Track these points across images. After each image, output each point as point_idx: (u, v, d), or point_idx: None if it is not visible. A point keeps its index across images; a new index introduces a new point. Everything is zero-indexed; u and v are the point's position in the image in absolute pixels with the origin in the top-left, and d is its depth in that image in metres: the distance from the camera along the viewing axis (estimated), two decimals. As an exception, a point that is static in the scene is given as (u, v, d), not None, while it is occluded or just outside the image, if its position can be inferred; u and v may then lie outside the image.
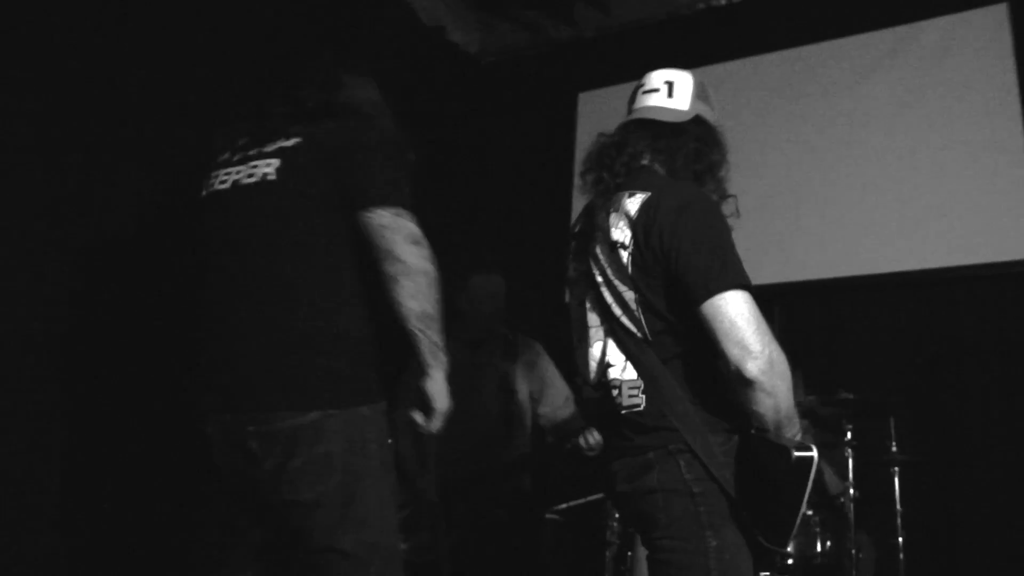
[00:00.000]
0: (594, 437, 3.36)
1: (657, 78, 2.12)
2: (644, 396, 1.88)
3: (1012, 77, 4.42)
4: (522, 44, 5.98)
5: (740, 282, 1.78)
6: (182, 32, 3.59)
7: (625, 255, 1.91)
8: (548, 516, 3.79)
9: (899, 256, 4.50)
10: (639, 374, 1.89)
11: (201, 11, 3.71)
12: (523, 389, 3.75)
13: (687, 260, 1.80)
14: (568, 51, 5.87)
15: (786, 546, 1.76)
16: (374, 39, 5.17)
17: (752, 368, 1.72)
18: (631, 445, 1.90)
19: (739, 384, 1.75)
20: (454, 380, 3.67)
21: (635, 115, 2.11)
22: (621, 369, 1.92)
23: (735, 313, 1.75)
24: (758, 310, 1.78)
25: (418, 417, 2.11)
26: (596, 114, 5.43)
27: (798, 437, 1.81)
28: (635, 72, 2.22)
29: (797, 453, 1.69)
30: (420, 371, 2.09)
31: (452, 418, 3.61)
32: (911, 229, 4.49)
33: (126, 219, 3.15)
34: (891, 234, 4.53)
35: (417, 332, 2.01)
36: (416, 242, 2.04)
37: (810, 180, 4.82)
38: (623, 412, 1.90)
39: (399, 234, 2.03)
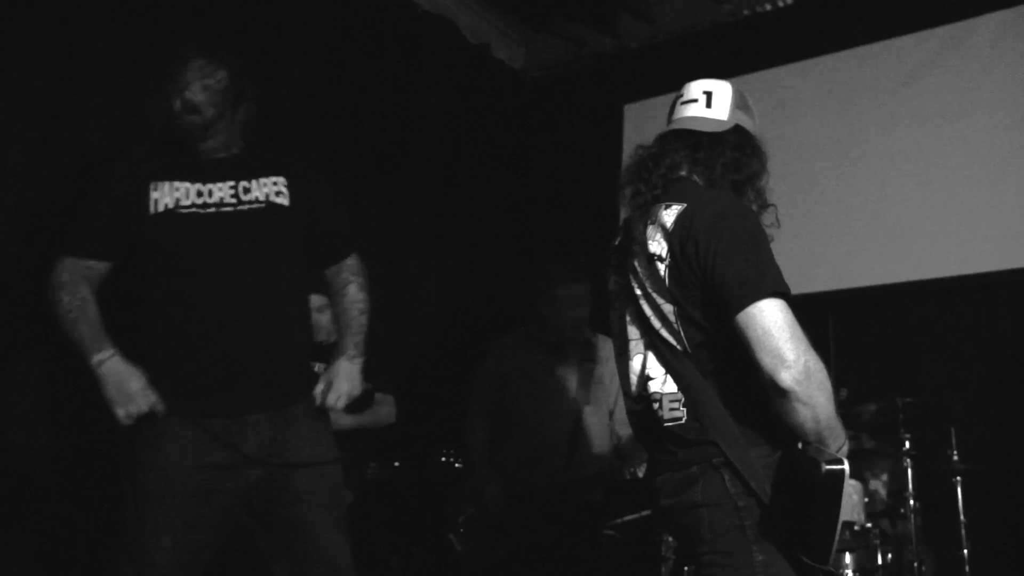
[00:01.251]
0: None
1: (695, 88, 2.10)
2: (685, 409, 1.85)
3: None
4: (567, 58, 5.99)
5: (775, 290, 1.74)
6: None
7: (663, 268, 1.89)
8: (604, 532, 3.77)
9: (956, 260, 4.41)
10: (679, 387, 1.87)
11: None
12: (600, 397, 3.70)
13: (722, 270, 1.77)
14: (613, 63, 5.86)
15: (827, 563, 1.72)
16: (421, 61, 5.23)
17: (786, 378, 1.68)
18: (674, 460, 1.88)
19: (774, 394, 1.72)
20: (532, 387, 3.67)
21: (673, 126, 2.09)
22: (661, 382, 1.90)
23: (769, 322, 1.71)
24: (793, 319, 1.73)
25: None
26: (642, 126, 5.41)
27: (844, 449, 1.77)
28: (680, 82, 2.21)
29: (827, 467, 1.66)
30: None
31: (527, 428, 3.63)
32: (968, 232, 4.40)
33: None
34: (947, 237, 4.44)
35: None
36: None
37: (862, 185, 4.74)
38: (665, 425, 1.89)
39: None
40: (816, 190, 4.77)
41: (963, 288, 4.42)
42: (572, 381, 3.69)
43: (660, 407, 1.90)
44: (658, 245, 1.91)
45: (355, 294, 2.61)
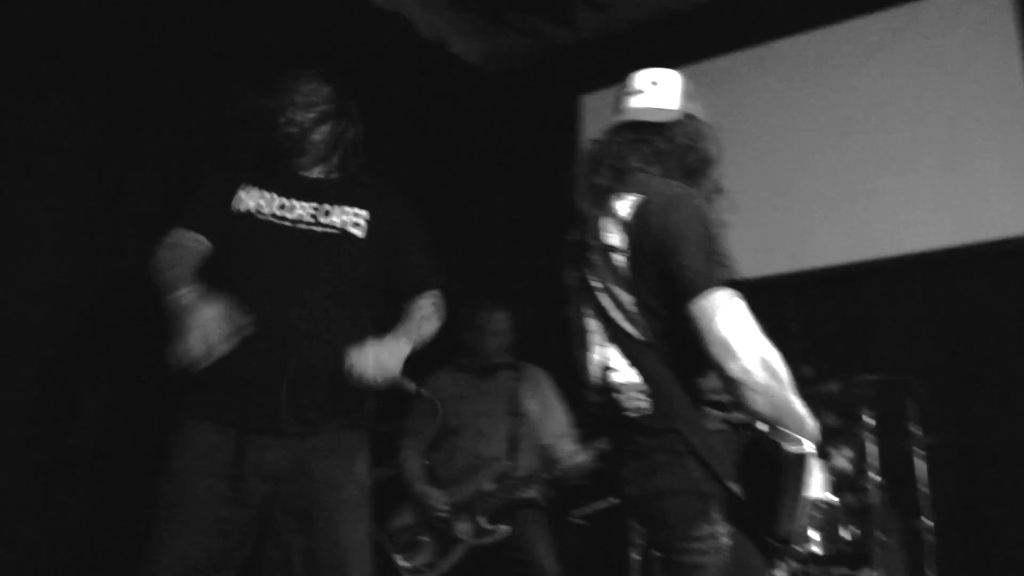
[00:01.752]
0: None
1: (643, 78, 2.12)
2: (648, 399, 1.88)
3: (1015, 48, 4.40)
4: (523, 51, 6.00)
5: (724, 280, 1.78)
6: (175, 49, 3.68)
7: (619, 259, 1.92)
8: (573, 520, 3.81)
9: (912, 237, 4.47)
10: (642, 377, 1.89)
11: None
12: (531, 408, 3.83)
13: (675, 261, 1.80)
14: (569, 55, 5.88)
15: (792, 543, 1.75)
16: (377, 58, 5.21)
17: (734, 368, 1.72)
18: (638, 449, 1.91)
19: (725, 384, 1.75)
20: (464, 406, 3.77)
21: (623, 117, 2.11)
22: (623, 373, 1.92)
23: (718, 312, 1.74)
24: (744, 308, 1.76)
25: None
26: (600, 116, 5.40)
27: (812, 432, 1.80)
28: (637, 71, 2.22)
29: (789, 449, 1.69)
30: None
31: (463, 440, 3.70)
32: (923, 209, 4.47)
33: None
34: (903, 216, 4.51)
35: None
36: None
37: (817, 168, 4.80)
38: (628, 416, 1.91)
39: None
40: (772, 174, 4.83)
41: (919, 265, 4.48)
42: (504, 397, 3.83)
43: (622, 398, 1.92)
44: (614, 236, 1.94)
45: (425, 307, 2.59)
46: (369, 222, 2.55)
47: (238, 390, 2.33)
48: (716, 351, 1.73)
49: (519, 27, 5.86)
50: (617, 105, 2.16)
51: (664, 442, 1.85)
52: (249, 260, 2.46)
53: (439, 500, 3.60)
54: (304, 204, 2.53)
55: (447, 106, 5.71)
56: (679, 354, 1.87)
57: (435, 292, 2.65)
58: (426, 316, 2.56)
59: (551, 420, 3.82)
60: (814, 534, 3.40)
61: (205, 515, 2.25)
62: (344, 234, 2.50)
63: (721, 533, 1.80)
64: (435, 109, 5.59)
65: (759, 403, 1.74)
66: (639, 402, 1.89)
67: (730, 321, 1.73)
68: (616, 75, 5.23)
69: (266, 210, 2.51)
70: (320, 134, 2.59)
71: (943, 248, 4.40)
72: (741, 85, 5.07)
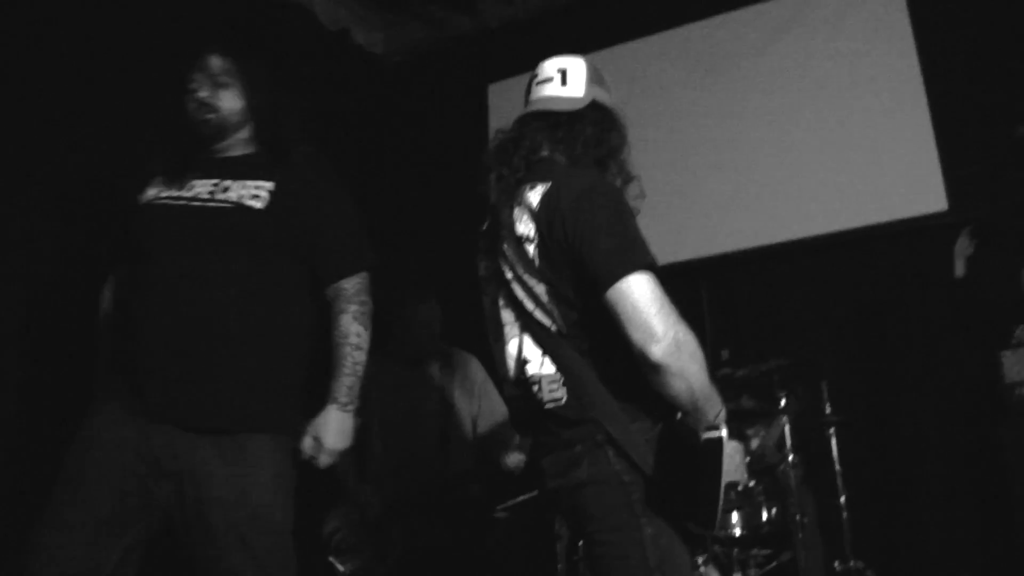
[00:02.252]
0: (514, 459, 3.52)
1: (550, 67, 2.09)
2: (565, 389, 1.85)
3: (908, 32, 4.51)
4: (428, 40, 5.92)
5: (641, 264, 1.75)
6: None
7: (531, 248, 1.89)
8: (497, 515, 3.77)
9: (818, 220, 4.56)
10: (557, 368, 1.87)
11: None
12: (463, 404, 3.75)
13: (589, 248, 1.77)
14: (474, 43, 5.83)
15: (714, 528, 1.75)
16: (276, 47, 5.07)
17: (656, 351, 1.70)
18: (557, 440, 1.88)
19: (647, 369, 1.73)
20: (395, 399, 3.69)
21: (531, 107, 2.08)
22: (539, 364, 1.89)
23: (636, 297, 1.72)
24: (662, 292, 1.75)
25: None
26: (507, 105, 5.39)
27: (722, 414, 1.79)
28: (542, 59, 2.19)
29: (705, 435, 1.69)
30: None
31: (394, 436, 3.63)
32: (825, 193, 4.55)
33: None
34: (808, 198, 4.59)
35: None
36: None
37: (722, 153, 4.85)
38: (546, 407, 1.88)
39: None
40: (681, 159, 4.86)
41: (826, 246, 4.58)
42: (435, 390, 3.75)
43: (540, 389, 1.89)
44: (525, 226, 1.91)
45: (347, 326, 2.33)
46: (273, 193, 2.31)
47: (136, 377, 2.17)
48: (638, 336, 1.71)
49: (422, 16, 5.78)
50: (526, 94, 2.13)
51: (583, 432, 1.83)
52: (144, 245, 2.29)
53: (372, 501, 3.51)
54: (204, 182, 2.35)
55: (352, 97, 5.61)
56: (594, 343, 1.85)
57: (360, 276, 2.40)
58: (356, 345, 2.32)
59: (486, 409, 3.75)
60: (733, 517, 3.47)
61: (98, 499, 2.07)
62: (238, 207, 2.28)
63: (643, 523, 1.78)
64: (339, 101, 5.48)
65: (679, 388, 1.73)
66: (555, 393, 1.86)
67: (651, 306, 1.72)
68: (521, 63, 5.23)
69: (164, 194, 2.34)
70: (230, 110, 2.39)
71: (847, 229, 4.49)
72: (645, 72, 5.08)
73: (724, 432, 1.70)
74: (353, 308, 2.35)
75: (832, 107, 4.64)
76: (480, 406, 3.75)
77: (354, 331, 2.33)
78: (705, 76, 5.00)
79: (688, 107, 5.00)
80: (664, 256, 4.84)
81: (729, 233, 4.74)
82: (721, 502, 1.71)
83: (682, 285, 4.63)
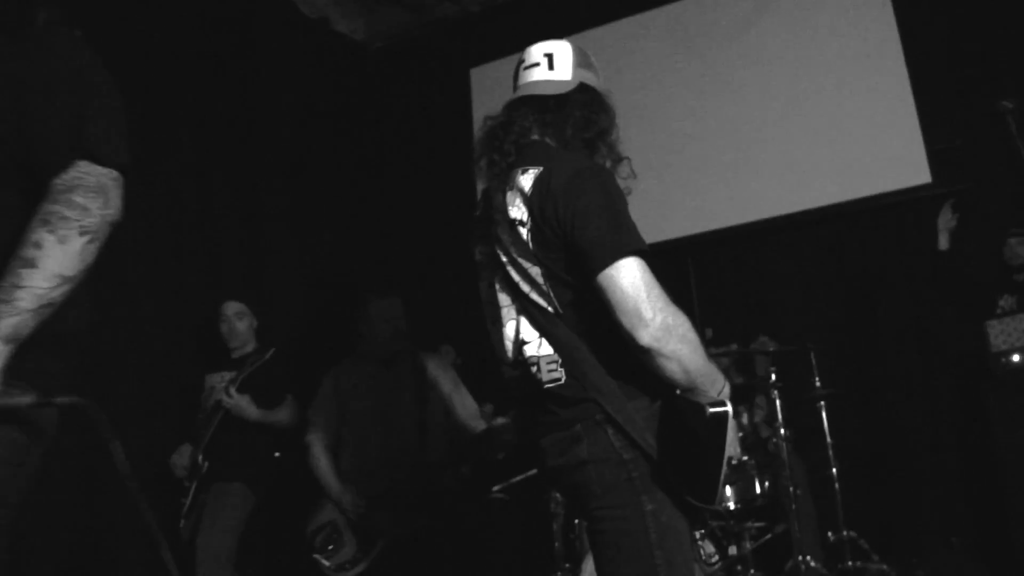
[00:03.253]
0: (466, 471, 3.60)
1: (536, 52, 2.08)
2: (563, 369, 1.87)
3: (889, 9, 4.54)
4: (409, 26, 5.91)
5: (631, 249, 1.76)
6: None
7: (525, 232, 1.89)
8: (493, 495, 3.80)
9: (802, 196, 4.59)
10: (555, 348, 1.88)
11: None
12: (435, 396, 3.81)
13: (581, 231, 1.79)
14: (455, 28, 5.82)
15: (714, 503, 1.76)
16: (259, 39, 5.06)
17: (645, 336, 1.71)
18: (557, 420, 1.89)
19: (638, 352, 1.74)
20: (367, 397, 3.72)
21: (519, 92, 2.07)
22: (537, 345, 1.91)
23: (626, 282, 1.73)
24: (651, 276, 1.76)
25: None
26: (489, 88, 5.41)
27: (725, 390, 1.81)
28: (524, 42, 2.19)
29: (711, 409, 1.70)
30: None
31: (369, 432, 3.66)
32: (809, 168, 4.59)
33: None
34: (793, 174, 4.62)
35: None
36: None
37: (707, 130, 4.88)
38: (545, 387, 1.89)
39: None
40: (667, 139, 4.88)
41: (811, 222, 4.62)
42: (408, 387, 3.79)
43: (538, 370, 1.90)
44: (518, 210, 1.91)
45: (29, 231, 1.57)
46: None
47: None
48: (627, 321, 1.72)
49: (403, 1, 5.76)
50: (514, 80, 2.14)
51: (582, 411, 1.84)
52: None
53: (354, 503, 3.55)
54: None
55: (334, 85, 5.59)
56: (590, 323, 1.86)
57: (78, 168, 1.63)
58: (27, 260, 1.55)
59: (457, 403, 3.80)
60: (728, 491, 3.51)
61: None
62: None
63: (644, 499, 1.79)
64: (321, 88, 5.47)
65: (673, 370, 1.74)
66: (554, 373, 1.87)
67: (640, 291, 1.73)
68: (504, 47, 5.30)
69: None
70: None
71: (831, 204, 4.53)
72: (628, 52, 5.09)
73: (729, 407, 1.71)
74: (48, 210, 1.59)
75: (815, 83, 4.67)
76: (452, 399, 3.80)
77: (33, 239, 1.57)
78: (688, 55, 5.02)
79: (672, 86, 5.02)
80: (650, 235, 4.86)
81: (715, 211, 4.77)
82: (723, 476, 1.73)
83: (669, 263, 4.67)
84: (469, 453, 3.67)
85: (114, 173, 1.69)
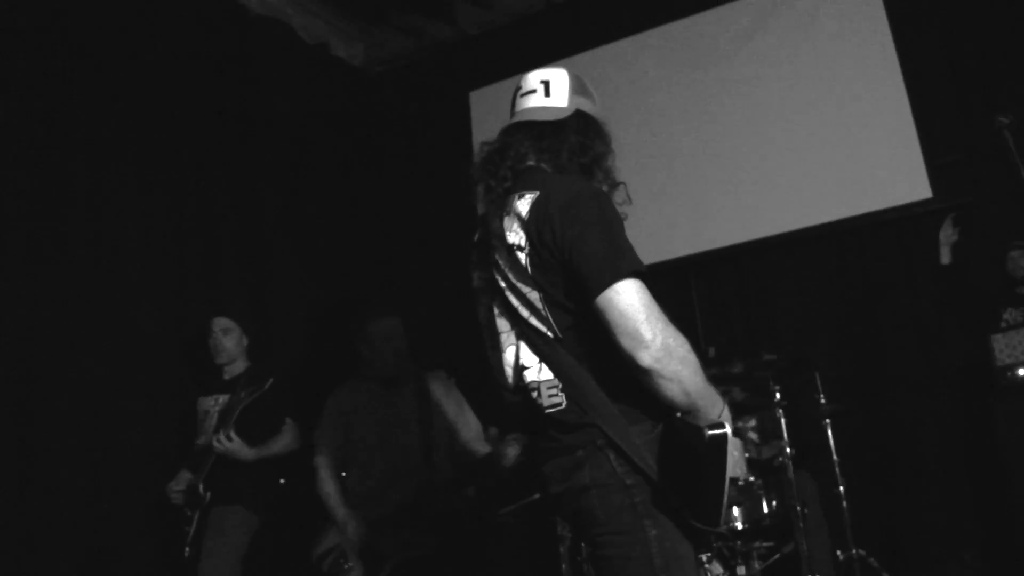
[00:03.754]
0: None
1: (533, 79, 2.11)
2: (563, 394, 1.86)
3: (885, 26, 4.55)
4: (408, 50, 5.94)
5: (629, 271, 1.76)
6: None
7: (523, 256, 1.89)
8: (500, 518, 3.79)
9: (802, 213, 4.60)
10: (555, 373, 1.88)
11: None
12: (439, 418, 3.78)
13: (579, 255, 1.79)
14: (454, 51, 5.85)
15: (718, 525, 1.75)
16: (259, 65, 5.09)
17: (645, 358, 1.71)
18: (559, 445, 1.88)
19: (638, 374, 1.74)
20: (371, 419, 3.71)
21: (516, 118, 2.09)
22: (537, 371, 1.90)
23: (625, 304, 1.73)
24: (650, 298, 1.75)
25: None
26: (489, 111, 5.43)
27: (725, 412, 1.79)
28: (522, 65, 2.23)
29: (710, 432, 1.69)
30: None
31: (375, 455, 3.64)
32: (810, 185, 4.60)
33: None
34: (792, 192, 4.63)
35: None
36: None
37: (706, 149, 4.88)
38: (546, 412, 1.89)
39: None
40: (667, 159, 4.89)
41: (812, 238, 4.61)
42: (412, 408, 3.76)
43: (539, 395, 1.90)
44: (516, 235, 1.91)
45: None
46: None
47: None
48: (627, 343, 1.72)
49: (401, 26, 5.80)
50: (512, 107, 2.15)
51: (583, 437, 1.83)
52: None
53: (357, 531, 3.53)
54: None
55: (333, 109, 5.62)
56: (590, 347, 1.85)
57: None
58: None
59: (462, 424, 3.78)
60: (735, 511, 3.49)
61: None
62: None
63: (648, 524, 1.78)
64: (322, 113, 5.50)
65: (673, 391, 1.74)
66: (555, 398, 1.87)
67: (639, 312, 1.72)
68: (502, 69, 5.32)
69: None
70: None
71: (831, 221, 4.53)
72: (626, 72, 5.11)
73: (729, 429, 1.71)
74: None
75: (813, 101, 4.68)
76: (457, 420, 3.78)
77: None
78: (685, 74, 5.03)
79: (670, 105, 5.03)
80: (652, 255, 4.89)
81: (716, 229, 4.77)
82: (726, 498, 1.72)
83: (671, 283, 4.66)
84: (474, 475, 3.64)
85: None
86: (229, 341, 3.90)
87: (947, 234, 4.09)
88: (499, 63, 5.44)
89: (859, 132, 4.52)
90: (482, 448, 3.68)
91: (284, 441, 3.80)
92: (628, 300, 1.73)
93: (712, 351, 4.18)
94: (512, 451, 3.47)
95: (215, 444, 3.60)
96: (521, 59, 5.35)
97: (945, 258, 4.07)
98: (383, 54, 6.00)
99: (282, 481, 3.89)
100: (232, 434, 3.61)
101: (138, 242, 4.14)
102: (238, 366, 3.94)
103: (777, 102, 4.76)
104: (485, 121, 5.42)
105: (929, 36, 4.49)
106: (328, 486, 3.66)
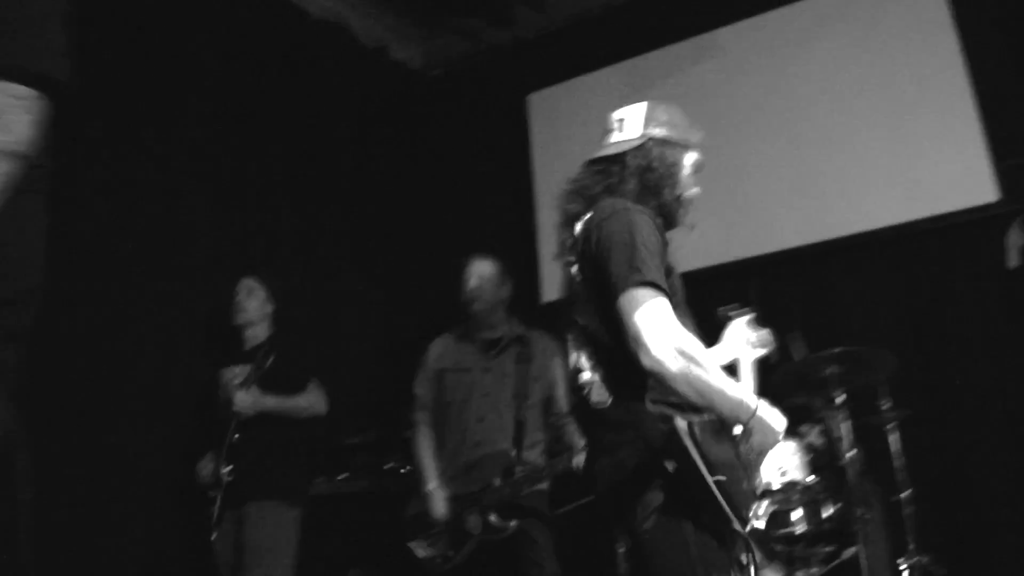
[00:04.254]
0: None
1: (613, 118, 2.31)
2: (608, 393, 2.04)
3: (950, 24, 4.48)
4: (466, 53, 5.99)
5: (642, 280, 1.90)
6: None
7: (578, 271, 2.13)
8: (559, 515, 3.77)
9: (868, 215, 4.54)
10: (604, 373, 2.05)
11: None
12: (536, 395, 3.69)
13: (604, 266, 1.98)
14: (511, 54, 5.88)
15: (730, 522, 1.85)
16: (319, 69, 5.16)
17: (646, 361, 1.84)
18: (604, 444, 2.04)
19: (648, 375, 1.87)
20: (467, 385, 3.66)
21: (594, 154, 2.29)
22: (590, 372, 2.09)
23: (633, 309, 1.88)
24: (660, 304, 1.88)
25: None
26: (548, 114, 5.44)
27: (742, 413, 1.87)
28: (579, 67, 2.34)
29: (678, 422, 1.84)
30: None
31: (466, 427, 3.62)
32: (873, 188, 4.54)
33: None
34: (858, 194, 4.57)
35: None
36: None
37: (769, 152, 4.85)
38: (594, 409, 2.06)
39: None
40: (726, 159, 4.84)
41: (877, 242, 4.55)
42: (509, 377, 3.69)
43: (590, 394, 2.08)
44: (575, 252, 2.15)
45: None
46: None
47: None
48: (631, 346, 1.87)
49: (459, 30, 5.85)
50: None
51: (624, 437, 1.99)
52: None
53: (441, 509, 3.51)
54: None
55: (391, 113, 5.68)
56: (630, 350, 1.97)
57: None
58: None
59: (558, 397, 3.69)
60: (797, 513, 3.45)
61: None
62: None
63: (685, 521, 1.89)
64: (380, 116, 5.56)
65: (684, 391, 1.85)
66: (601, 395, 2.05)
67: (644, 318, 1.86)
68: (560, 72, 5.34)
69: None
70: None
71: (897, 224, 4.47)
72: (686, 74, 5.08)
73: (682, 423, 1.83)
74: None
75: (877, 102, 4.61)
76: (550, 398, 3.69)
77: None
78: (748, 76, 5.00)
79: (731, 108, 4.99)
80: (713, 257, 4.85)
81: (778, 231, 4.73)
82: (717, 493, 1.82)
83: (732, 285, 4.62)
84: (554, 469, 3.59)
85: (17, 89, 1.26)
86: (252, 302, 3.79)
87: (1015, 237, 4.01)
88: (557, 66, 5.45)
89: (924, 133, 4.46)
90: (570, 427, 3.61)
91: (309, 398, 3.69)
92: (635, 306, 1.89)
93: (773, 354, 4.12)
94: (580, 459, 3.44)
95: (235, 402, 3.50)
96: (580, 61, 5.38)
97: (1013, 262, 3.99)
98: (441, 57, 6.05)
99: (318, 480, 3.82)
100: (240, 393, 3.51)
101: (204, 242, 4.23)
102: (260, 331, 3.83)
103: (839, 105, 4.70)
104: (544, 123, 5.44)
105: (995, 34, 4.40)
106: (423, 447, 3.65)
